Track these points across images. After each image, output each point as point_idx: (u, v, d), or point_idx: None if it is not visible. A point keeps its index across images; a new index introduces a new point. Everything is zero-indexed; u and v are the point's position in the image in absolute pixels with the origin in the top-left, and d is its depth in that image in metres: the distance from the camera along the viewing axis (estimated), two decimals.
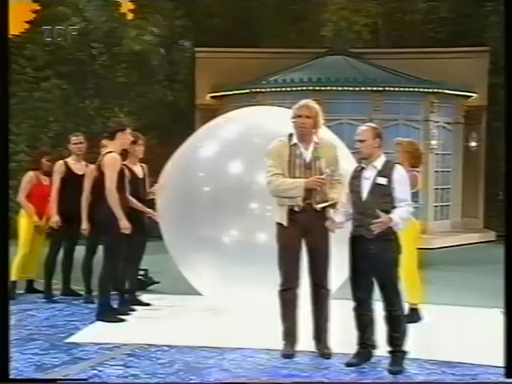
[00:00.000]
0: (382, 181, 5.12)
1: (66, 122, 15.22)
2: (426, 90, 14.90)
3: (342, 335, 5.49)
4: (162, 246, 7.21)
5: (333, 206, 5.41)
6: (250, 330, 6.15)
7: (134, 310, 7.02)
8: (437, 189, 15.38)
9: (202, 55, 16.49)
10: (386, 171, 5.16)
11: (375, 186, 5.14)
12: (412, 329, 5.41)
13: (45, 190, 7.95)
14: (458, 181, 15.82)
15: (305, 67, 15.72)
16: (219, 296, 6.80)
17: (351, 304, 5.32)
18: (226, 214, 6.44)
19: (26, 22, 16.34)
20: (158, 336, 6.01)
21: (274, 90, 14.79)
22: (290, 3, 17.53)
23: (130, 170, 7.06)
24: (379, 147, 5.24)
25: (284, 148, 5.48)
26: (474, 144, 16.20)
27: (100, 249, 6.94)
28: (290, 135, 5.53)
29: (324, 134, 5.86)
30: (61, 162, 7.79)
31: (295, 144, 5.50)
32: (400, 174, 5.18)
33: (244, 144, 6.61)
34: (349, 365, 5.23)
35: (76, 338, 6.03)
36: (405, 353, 5.17)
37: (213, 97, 16.02)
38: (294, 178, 5.41)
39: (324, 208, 5.42)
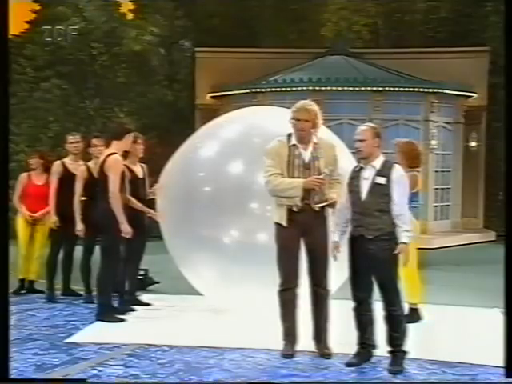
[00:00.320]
0: (381, 180, 5.12)
1: (66, 122, 15.23)
2: (425, 90, 14.91)
3: (342, 335, 5.49)
4: (162, 246, 7.21)
5: (331, 205, 5.41)
6: (250, 330, 6.15)
7: (134, 310, 7.02)
8: (437, 189, 15.39)
9: (202, 55, 16.49)
10: (384, 171, 5.16)
11: (374, 186, 5.14)
12: (412, 329, 5.41)
13: (37, 190, 7.98)
14: (458, 181, 15.82)
15: (305, 67, 15.73)
16: (219, 296, 6.80)
17: (351, 304, 5.31)
18: (227, 214, 6.44)
19: (26, 22, 16.35)
20: (157, 336, 6.01)
21: (274, 90, 14.80)
22: (290, 3, 17.54)
23: (130, 170, 7.06)
24: (378, 147, 5.24)
25: (283, 148, 5.48)
26: (473, 144, 16.20)
27: (97, 249, 6.94)
28: (289, 135, 5.53)
29: (323, 133, 5.86)
30: (58, 162, 7.79)
31: (294, 144, 5.50)
32: (399, 173, 5.18)
33: (244, 144, 6.61)
34: (349, 365, 5.23)
35: (76, 338, 6.03)
36: (405, 353, 5.17)
37: (213, 97, 16.02)
38: (293, 178, 5.41)
39: (323, 208, 5.42)
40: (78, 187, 7.38)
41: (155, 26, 17.24)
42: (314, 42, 17.04)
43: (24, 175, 8.14)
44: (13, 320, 5.71)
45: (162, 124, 16.08)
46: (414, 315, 6.51)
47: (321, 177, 5.35)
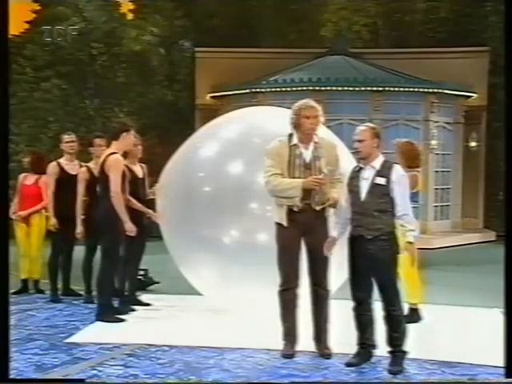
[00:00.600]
0: (381, 181, 5.12)
1: (66, 122, 15.23)
2: (425, 89, 14.92)
3: (342, 335, 5.49)
4: (162, 246, 7.20)
5: (333, 205, 5.41)
6: (250, 330, 6.15)
7: (134, 310, 7.02)
8: (437, 189, 15.40)
9: (202, 55, 16.50)
10: (384, 171, 5.15)
11: (374, 186, 5.14)
12: (412, 329, 5.41)
13: (26, 190, 8.03)
14: (458, 181, 15.83)
15: (305, 67, 15.73)
16: (219, 296, 6.80)
17: (351, 304, 5.31)
18: (226, 214, 6.43)
19: (26, 22, 16.38)
20: (157, 336, 6.01)
21: (274, 90, 14.81)
22: (290, 3, 17.55)
23: (130, 170, 7.05)
24: (378, 147, 5.23)
25: (284, 148, 5.47)
26: (473, 144, 16.21)
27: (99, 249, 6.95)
28: (290, 135, 5.53)
29: (324, 133, 5.86)
30: (54, 163, 7.75)
31: (295, 144, 5.49)
32: (399, 174, 5.18)
33: (244, 144, 6.60)
34: (349, 365, 5.23)
35: (76, 338, 6.03)
36: (405, 353, 5.17)
37: (213, 97, 16.03)
38: (294, 178, 5.40)
39: (324, 208, 5.42)
40: (80, 188, 7.38)
41: (155, 25, 17.25)
42: (314, 42, 17.05)
43: (21, 175, 8.18)
44: (13, 320, 5.71)
45: (162, 124, 16.09)
46: (414, 315, 6.51)
47: (320, 177, 5.35)
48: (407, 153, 6.64)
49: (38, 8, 16.49)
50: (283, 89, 14.66)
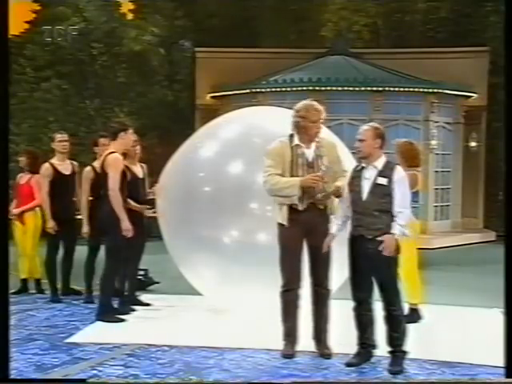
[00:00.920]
0: (383, 181, 5.12)
1: (66, 122, 15.22)
2: (425, 89, 14.92)
3: (342, 335, 5.49)
4: (162, 246, 7.20)
5: (338, 194, 5.38)
6: (250, 330, 6.15)
7: (134, 310, 7.02)
8: (437, 189, 15.39)
9: (202, 55, 16.50)
10: (386, 171, 5.15)
11: (375, 186, 5.13)
12: (412, 329, 5.41)
13: (19, 189, 8.05)
14: (458, 181, 15.83)
15: (305, 67, 15.73)
16: (219, 296, 6.80)
17: (351, 304, 5.31)
18: (227, 214, 6.43)
19: (26, 22, 16.37)
20: (158, 336, 6.01)
21: (274, 90, 14.81)
22: (290, 3, 17.54)
23: (130, 170, 7.05)
24: (380, 148, 5.22)
25: (285, 149, 5.47)
26: (473, 144, 16.20)
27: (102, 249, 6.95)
28: (291, 135, 5.52)
29: (324, 133, 5.86)
30: (46, 165, 7.68)
31: (297, 144, 5.49)
32: (400, 175, 5.18)
33: (244, 144, 6.60)
34: (349, 365, 5.23)
35: (76, 338, 6.03)
36: (405, 353, 5.17)
37: (213, 97, 16.03)
38: (297, 177, 5.39)
39: (326, 207, 5.41)
40: (85, 187, 7.36)
41: (155, 26, 17.24)
42: (314, 42, 17.04)
43: (19, 175, 8.18)
44: (13, 320, 5.71)
45: (162, 124, 16.09)
46: (414, 315, 6.51)
47: (318, 174, 5.34)
48: (406, 152, 6.64)
49: (38, 8, 16.48)
50: (283, 89, 14.66)
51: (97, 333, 6.24)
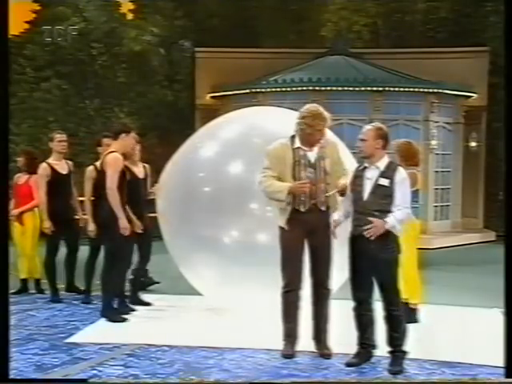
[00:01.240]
0: (384, 182, 5.12)
1: (66, 122, 15.22)
2: (426, 89, 14.91)
3: (342, 335, 5.49)
4: (162, 246, 7.21)
5: (341, 192, 5.37)
6: (250, 330, 6.15)
7: (134, 310, 7.02)
8: (437, 189, 15.38)
9: (202, 55, 16.49)
10: (388, 172, 5.15)
11: (377, 187, 5.13)
12: (412, 329, 5.42)
13: (17, 190, 8.05)
14: (458, 181, 15.82)
15: (305, 67, 15.73)
16: (219, 296, 6.80)
17: (351, 304, 5.31)
18: (227, 214, 6.44)
19: (26, 22, 16.34)
20: (158, 336, 6.01)
21: (274, 90, 14.80)
22: (290, 3, 17.53)
23: (130, 171, 7.05)
24: (382, 148, 5.20)
25: (286, 151, 5.46)
26: (473, 144, 16.20)
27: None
28: (293, 137, 5.52)
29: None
30: (44, 165, 7.67)
31: (299, 147, 5.48)
32: (402, 176, 5.17)
33: (244, 144, 6.60)
34: (349, 365, 5.23)
35: (76, 338, 6.03)
36: (405, 353, 5.17)
37: (213, 97, 16.02)
38: (300, 178, 5.40)
39: (328, 208, 5.42)
40: (87, 187, 7.36)
41: (155, 26, 17.23)
42: (314, 42, 17.03)
43: (16, 176, 8.17)
44: (13, 320, 5.72)
45: (162, 124, 16.08)
46: (412, 315, 6.47)
47: (306, 181, 5.34)
48: (405, 151, 6.64)
49: (38, 8, 16.47)
50: (283, 89, 14.65)
51: (97, 333, 6.24)
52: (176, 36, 17.43)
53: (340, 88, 14.63)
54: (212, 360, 5.36)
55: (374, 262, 5.10)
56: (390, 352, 5.17)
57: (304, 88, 14.40)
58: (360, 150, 5.26)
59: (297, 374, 5.07)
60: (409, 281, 6.39)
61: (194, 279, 7.01)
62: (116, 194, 6.43)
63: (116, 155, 6.52)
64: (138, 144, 7.27)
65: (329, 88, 14.53)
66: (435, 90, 14.94)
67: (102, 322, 6.53)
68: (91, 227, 7.33)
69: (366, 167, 5.24)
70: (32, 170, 7.95)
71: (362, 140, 5.21)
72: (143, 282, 8.19)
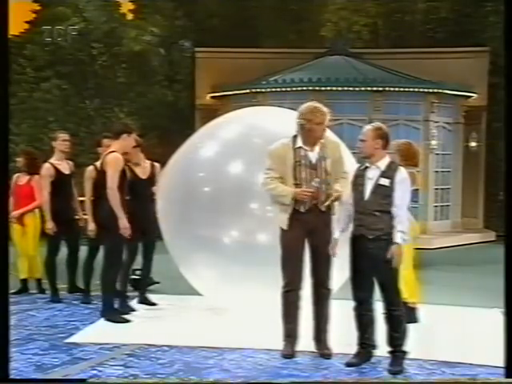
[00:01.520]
0: (385, 182, 5.12)
1: (66, 122, 15.22)
2: (425, 90, 14.91)
3: (342, 335, 5.49)
4: (162, 246, 7.21)
5: (336, 199, 5.39)
6: (250, 330, 6.15)
7: (134, 310, 7.02)
8: (437, 189, 15.39)
9: (202, 55, 16.50)
10: (389, 172, 5.15)
11: (377, 187, 5.13)
12: (412, 329, 5.41)
13: (18, 190, 8.02)
14: (458, 181, 15.82)
15: (305, 67, 15.73)
16: (219, 296, 6.80)
17: (351, 304, 5.31)
18: (227, 214, 6.43)
19: (26, 22, 16.36)
20: (158, 336, 6.01)
21: (274, 90, 14.80)
22: (290, 3, 17.54)
23: (131, 171, 7.05)
24: (382, 148, 5.20)
25: (287, 151, 5.46)
26: (473, 144, 16.20)
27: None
28: (294, 137, 5.52)
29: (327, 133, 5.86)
30: (48, 165, 7.66)
31: (300, 147, 5.48)
32: (403, 176, 5.17)
33: (244, 144, 6.60)
34: (349, 365, 5.23)
35: (76, 338, 6.03)
36: (405, 353, 5.17)
37: (213, 97, 16.03)
38: (300, 179, 5.41)
39: (328, 207, 5.42)
40: (87, 187, 7.36)
41: (155, 26, 17.23)
42: (314, 42, 17.03)
43: (15, 176, 8.14)
44: (13, 320, 5.70)
45: (162, 124, 16.08)
46: (411, 315, 6.46)
47: (310, 189, 5.35)
48: (405, 151, 6.64)
49: (38, 8, 16.48)
50: (283, 89, 14.65)
51: (97, 333, 6.24)
52: (176, 36, 17.44)
53: (340, 88, 14.63)
54: (212, 360, 5.36)
55: (375, 262, 5.10)
56: (390, 352, 5.17)
57: (304, 88, 14.39)
58: (360, 151, 5.26)
59: (297, 374, 5.07)
60: (405, 280, 6.38)
61: (194, 279, 7.01)
62: (116, 194, 6.43)
63: (116, 155, 6.52)
64: (138, 147, 7.22)
65: (329, 88, 14.53)
66: (435, 90, 14.94)
67: (102, 322, 6.53)
68: (91, 227, 7.33)
69: (367, 167, 5.24)
70: (32, 170, 7.94)
71: (362, 140, 5.21)
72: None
